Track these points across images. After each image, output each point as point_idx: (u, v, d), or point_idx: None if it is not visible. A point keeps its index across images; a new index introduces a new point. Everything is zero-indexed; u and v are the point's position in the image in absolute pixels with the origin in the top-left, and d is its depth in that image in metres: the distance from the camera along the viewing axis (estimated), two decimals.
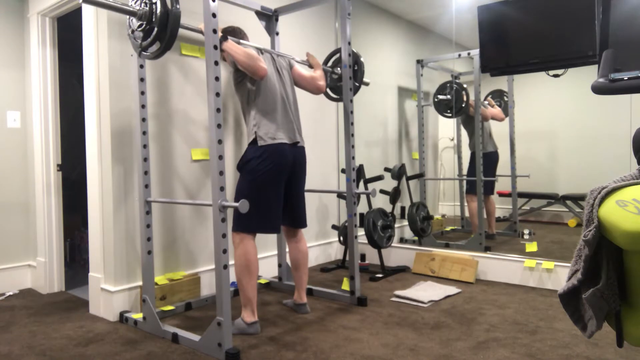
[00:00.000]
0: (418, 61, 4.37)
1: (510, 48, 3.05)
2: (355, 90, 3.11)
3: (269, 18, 3.20)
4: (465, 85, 4.04)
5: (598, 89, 1.30)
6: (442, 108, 4.18)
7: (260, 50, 2.58)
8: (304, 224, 2.72)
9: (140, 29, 2.07)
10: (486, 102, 3.98)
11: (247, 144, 2.49)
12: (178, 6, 1.99)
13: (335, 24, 4.18)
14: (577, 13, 2.77)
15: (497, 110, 3.98)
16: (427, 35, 4.51)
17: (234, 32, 2.65)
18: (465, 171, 4.20)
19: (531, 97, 3.82)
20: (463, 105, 4.02)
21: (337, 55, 3.19)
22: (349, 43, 2.83)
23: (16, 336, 2.41)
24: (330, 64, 3.25)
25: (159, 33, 2.02)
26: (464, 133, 4.23)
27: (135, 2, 2.08)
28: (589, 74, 3.18)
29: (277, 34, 3.21)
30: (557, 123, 3.72)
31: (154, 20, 2.02)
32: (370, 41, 4.33)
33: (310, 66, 2.88)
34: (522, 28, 2.99)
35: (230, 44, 2.36)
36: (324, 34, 4.08)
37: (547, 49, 2.90)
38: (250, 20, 3.37)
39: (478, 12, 3.15)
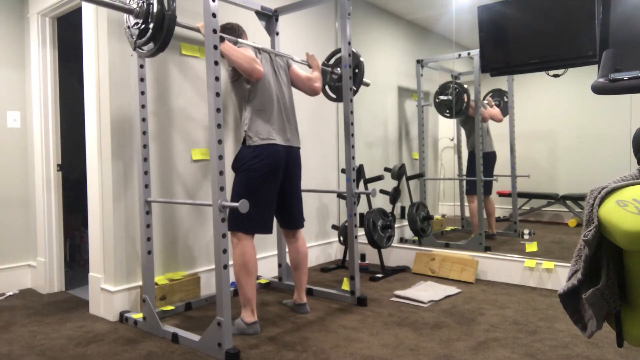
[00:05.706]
0: (418, 61, 4.37)
1: (510, 48, 3.05)
2: (354, 92, 3.09)
3: (269, 18, 3.20)
4: (466, 86, 4.04)
5: (598, 89, 1.30)
6: (443, 108, 4.18)
7: (259, 50, 2.57)
8: (300, 224, 2.72)
9: (136, 27, 2.07)
10: (485, 102, 3.97)
11: (241, 143, 2.51)
12: (174, 5, 1.98)
13: (335, 24, 4.18)
14: (577, 13, 2.77)
15: (495, 111, 3.97)
16: (427, 35, 4.51)
17: (232, 30, 2.63)
18: (465, 171, 4.20)
19: (531, 97, 3.82)
20: (463, 107, 4.02)
21: (339, 54, 3.17)
22: (349, 43, 2.83)
23: (16, 336, 2.41)
24: (332, 62, 3.24)
25: (155, 33, 2.02)
26: (463, 132, 4.23)
27: (133, 1, 2.08)
28: (589, 74, 3.18)
29: (277, 34, 3.21)
30: (557, 123, 3.71)
31: (149, 19, 2.02)
32: (370, 41, 4.32)
33: (310, 67, 2.87)
34: (522, 28, 2.99)
35: (227, 46, 2.32)
36: (324, 34, 4.08)
37: (547, 49, 2.90)
38: (250, 20, 3.37)
39: (478, 12, 3.15)
